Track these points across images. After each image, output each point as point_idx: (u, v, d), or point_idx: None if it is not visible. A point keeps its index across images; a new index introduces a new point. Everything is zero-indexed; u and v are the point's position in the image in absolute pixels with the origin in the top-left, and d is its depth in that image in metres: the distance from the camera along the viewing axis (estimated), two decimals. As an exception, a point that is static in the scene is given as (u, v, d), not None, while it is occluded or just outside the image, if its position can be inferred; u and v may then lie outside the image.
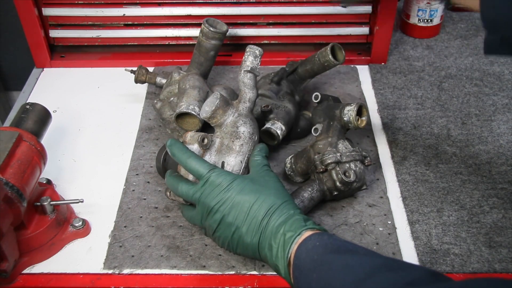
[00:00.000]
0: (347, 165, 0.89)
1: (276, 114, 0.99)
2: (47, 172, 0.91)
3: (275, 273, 0.82)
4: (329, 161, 0.89)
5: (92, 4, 1.24)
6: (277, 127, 0.97)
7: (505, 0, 0.73)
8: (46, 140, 0.94)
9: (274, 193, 0.76)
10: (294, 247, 0.69)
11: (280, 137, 0.98)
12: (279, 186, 0.78)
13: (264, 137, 0.99)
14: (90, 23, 1.26)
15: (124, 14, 1.25)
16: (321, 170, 0.89)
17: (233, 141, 0.86)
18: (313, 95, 1.00)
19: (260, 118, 0.99)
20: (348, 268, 0.63)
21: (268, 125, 0.98)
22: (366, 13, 1.25)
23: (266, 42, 1.28)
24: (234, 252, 0.78)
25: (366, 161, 0.92)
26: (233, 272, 0.84)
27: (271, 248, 0.72)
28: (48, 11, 1.24)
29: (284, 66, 1.10)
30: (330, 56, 1.01)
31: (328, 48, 1.02)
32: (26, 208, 0.80)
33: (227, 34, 1.09)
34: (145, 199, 0.95)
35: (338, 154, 0.89)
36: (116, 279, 0.83)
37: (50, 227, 0.84)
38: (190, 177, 0.84)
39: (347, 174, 0.88)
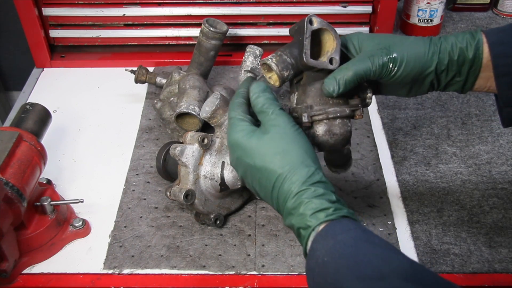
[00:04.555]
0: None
1: None
2: (47, 172, 0.91)
3: (275, 273, 0.83)
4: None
5: (92, 4, 1.24)
6: None
7: None
8: (46, 140, 0.93)
9: (295, 157, 0.63)
10: (313, 234, 0.60)
11: None
12: (298, 145, 0.64)
13: None
14: (90, 23, 1.26)
15: (124, 14, 1.25)
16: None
17: (233, 141, 0.86)
18: None
19: None
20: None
21: None
22: (366, 13, 1.25)
23: (266, 42, 1.28)
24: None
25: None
26: (233, 272, 0.84)
27: (290, 218, 0.62)
28: (48, 11, 1.24)
29: None
30: None
31: None
32: (26, 208, 0.80)
33: (227, 34, 1.09)
34: (145, 199, 0.95)
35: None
36: (116, 279, 0.83)
37: (50, 227, 0.84)
38: (190, 176, 0.84)
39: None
